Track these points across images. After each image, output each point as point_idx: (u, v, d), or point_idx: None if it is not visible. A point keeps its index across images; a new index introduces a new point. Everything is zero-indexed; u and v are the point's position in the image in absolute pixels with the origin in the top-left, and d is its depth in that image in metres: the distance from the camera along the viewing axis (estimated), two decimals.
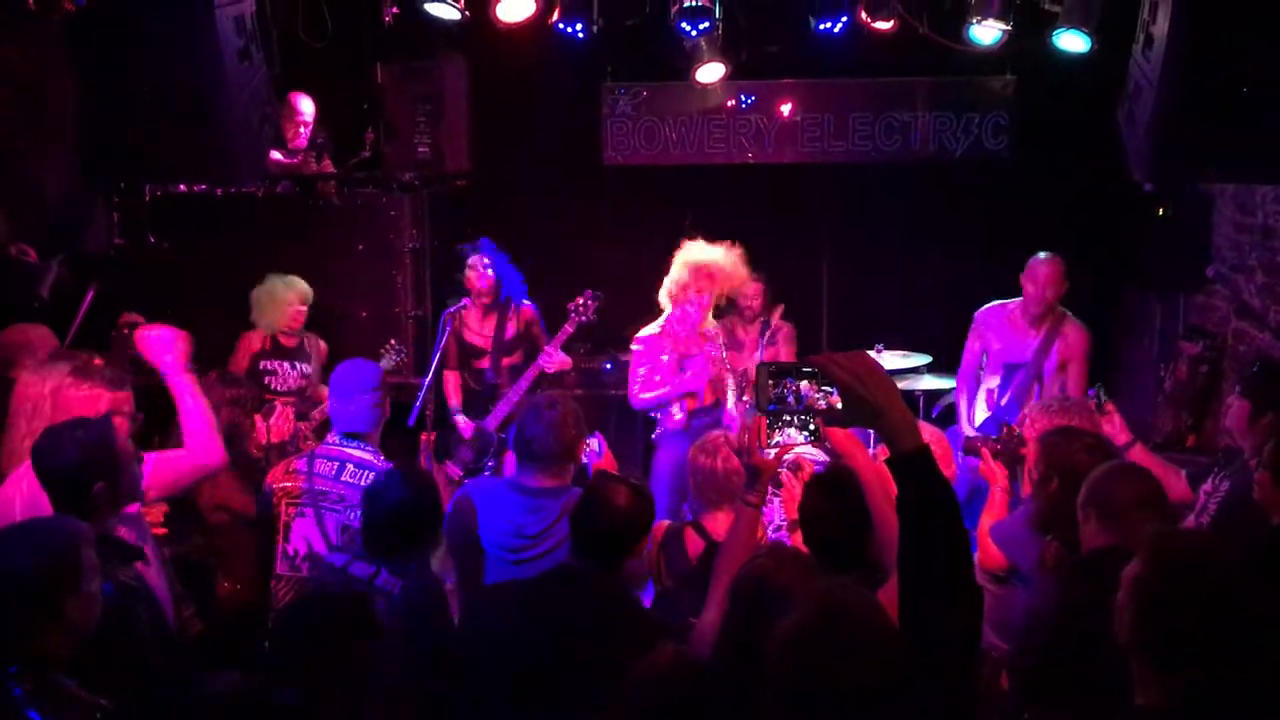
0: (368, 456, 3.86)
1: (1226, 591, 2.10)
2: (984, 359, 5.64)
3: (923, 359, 6.26)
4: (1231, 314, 6.23)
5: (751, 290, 7.01)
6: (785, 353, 7.08)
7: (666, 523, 3.92)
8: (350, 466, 3.81)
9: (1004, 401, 5.46)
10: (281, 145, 6.73)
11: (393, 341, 5.94)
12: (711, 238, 5.44)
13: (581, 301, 5.68)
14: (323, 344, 6.14)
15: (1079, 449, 3.39)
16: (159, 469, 3.39)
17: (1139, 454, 4.07)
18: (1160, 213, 6.29)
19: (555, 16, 6.10)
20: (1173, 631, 2.10)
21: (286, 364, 5.94)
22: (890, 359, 6.13)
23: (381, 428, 4.03)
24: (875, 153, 7.50)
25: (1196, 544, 2.30)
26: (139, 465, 3.14)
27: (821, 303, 7.63)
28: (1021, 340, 5.50)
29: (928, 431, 4.54)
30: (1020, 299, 5.52)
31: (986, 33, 5.64)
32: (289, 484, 3.85)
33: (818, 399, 2.08)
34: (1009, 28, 5.55)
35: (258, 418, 4.46)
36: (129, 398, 3.52)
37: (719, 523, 3.72)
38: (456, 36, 6.25)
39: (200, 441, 3.44)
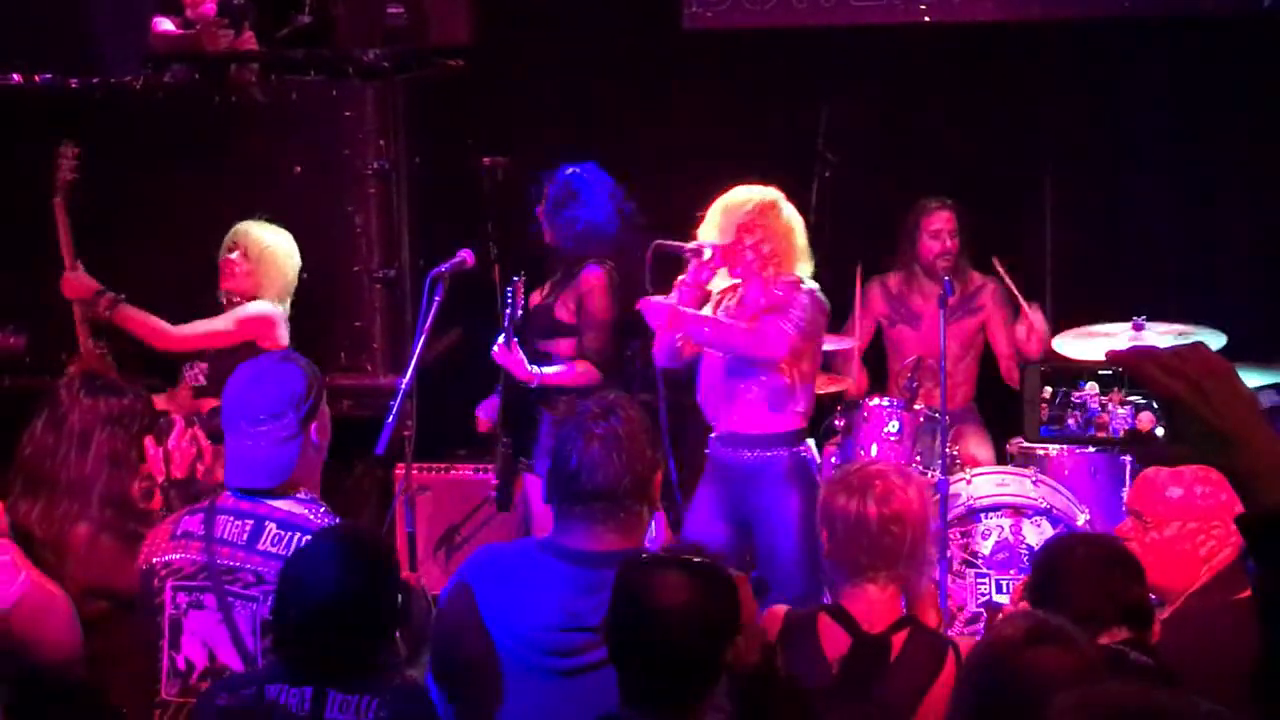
0: (297, 510, 3.79)
1: None
2: None
3: (1216, 338, 5.84)
4: None
5: (939, 223, 6.88)
6: (996, 322, 6.92)
7: (784, 609, 3.78)
8: (272, 527, 3.79)
9: None
10: (176, 12, 6.71)
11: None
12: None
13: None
14: None
15: None
16: None
17: None
18: None
19: None
20: None
21: None
22: (1156, 338, 5.86)
23: (316, 472, 3.92)
24: (1136, 2, 7.39)
25: None
26: None
27: (1044, 243, 7.49)
28: None
29: None
30: None
31: None
32: (177, 556, 3.78)
33: (1118, 418, 2.05)
34: None
35: (148, 441, 4.37)
36: None
37: (870, 601, 3.62)
38: None
39: None
